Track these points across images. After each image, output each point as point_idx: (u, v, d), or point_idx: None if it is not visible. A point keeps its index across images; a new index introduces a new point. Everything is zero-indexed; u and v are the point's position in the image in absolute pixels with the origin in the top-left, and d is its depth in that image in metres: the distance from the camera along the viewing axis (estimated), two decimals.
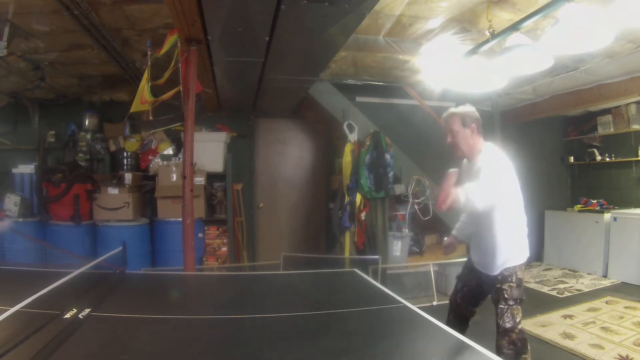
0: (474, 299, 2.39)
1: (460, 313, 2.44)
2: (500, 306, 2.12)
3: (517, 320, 2.09)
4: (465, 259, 2.57)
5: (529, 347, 2.12)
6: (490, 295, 2.24)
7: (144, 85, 2.73)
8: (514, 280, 2.12)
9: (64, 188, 4.20)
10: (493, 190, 1.98)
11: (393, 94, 5.24)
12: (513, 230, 2.17)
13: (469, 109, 2.26)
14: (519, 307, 2.12)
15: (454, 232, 2.58)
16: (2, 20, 2.86)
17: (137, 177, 4.52)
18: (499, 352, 2.08)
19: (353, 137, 4.62)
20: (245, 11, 2.32)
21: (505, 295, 2.10)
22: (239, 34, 2.64)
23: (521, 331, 2.11)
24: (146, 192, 4.65)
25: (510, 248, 2.14)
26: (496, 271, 2.15)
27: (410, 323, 1.73)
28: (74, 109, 4.93)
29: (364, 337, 1.57)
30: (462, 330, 2.21)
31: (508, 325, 2.08)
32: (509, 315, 2.09)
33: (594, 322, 3.65)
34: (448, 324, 2.05)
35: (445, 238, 2.67)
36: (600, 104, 5.26)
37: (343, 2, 2.19)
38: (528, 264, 5.96)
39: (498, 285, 2.14)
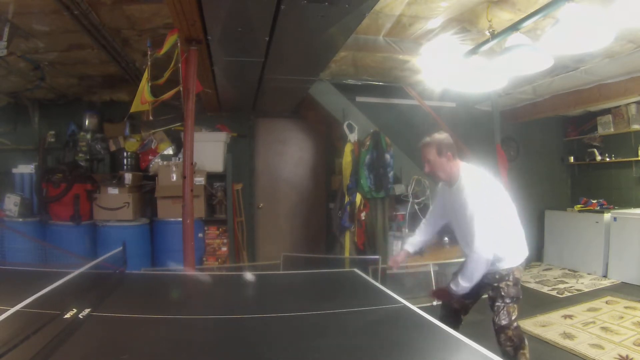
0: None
1: (451, 306, 2.45)
2: (497, 304, 2.19)
3: (513, 317, 2.17)
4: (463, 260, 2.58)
5: (526, 343, 2.20)
6: (487, 295, 2.29)
7: (144, 85, 2.73)
8: (511, 279, 2.20)
9: (64, 188, 4.20)
10: (489, 237, 2.07)
11: (393, 94, 5.24)
12: (506, 236, 2.20)
13: (442, 136, 2.28)
14: (515, 305, 2.19)
15: (407, 247, 2.55)
16: (2, 20, 2.85)
17: (137, 177, 4.52)
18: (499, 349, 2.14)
19: (353, 137, 4.62)
20: (245, 11, 2.32)
21: (502, 293, 2.18)
22: (239, 34, 2.64)
23: (517, 328, 2.18)
24: (146, 192, 4.65)
25: (504, 251, 2.17)
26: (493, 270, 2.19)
27: (410, 323, 1.74)
28: (74, 109, 4.93)
29: (364, 337, 1.57)
30: (454, 326, 2.26)
31: (504, 322, 2.16)
32: (504, 312, 2.17)
33: (594, 322, 3.65)
34: (441, 319, 2.06)
35: (396, 254, 2.65)
36: (600, 104, 5.25)
37: (343, 2, 2.20)
38: (528, 264, 6.00)
39: (495, 284, 2.21)
